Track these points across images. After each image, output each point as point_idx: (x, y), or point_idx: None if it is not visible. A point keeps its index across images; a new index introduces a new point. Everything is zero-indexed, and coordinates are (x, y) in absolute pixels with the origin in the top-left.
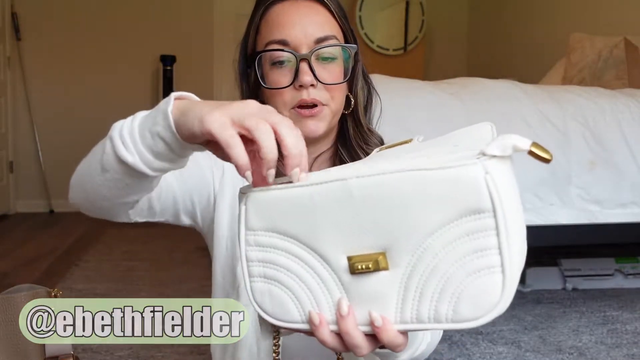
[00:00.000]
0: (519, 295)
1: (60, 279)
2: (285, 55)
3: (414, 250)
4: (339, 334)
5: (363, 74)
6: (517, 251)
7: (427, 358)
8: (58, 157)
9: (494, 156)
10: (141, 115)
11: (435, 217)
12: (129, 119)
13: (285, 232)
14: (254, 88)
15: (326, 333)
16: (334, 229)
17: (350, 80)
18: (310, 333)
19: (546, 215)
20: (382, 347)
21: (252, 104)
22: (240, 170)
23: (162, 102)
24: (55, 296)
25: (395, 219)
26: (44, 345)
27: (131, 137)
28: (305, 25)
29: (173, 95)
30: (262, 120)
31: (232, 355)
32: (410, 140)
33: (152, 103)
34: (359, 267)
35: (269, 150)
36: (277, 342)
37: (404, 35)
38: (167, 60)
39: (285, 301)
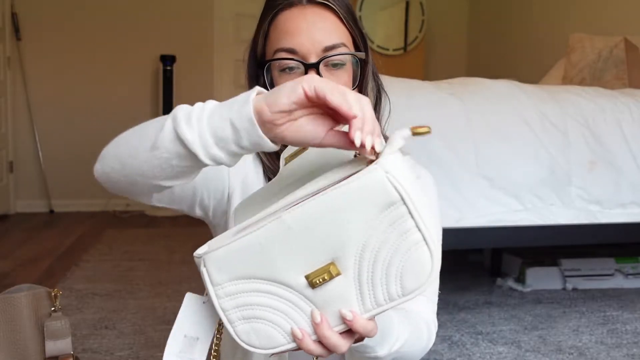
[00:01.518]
0: (519, 295)
1: (60, 279)
2: (293, 63)
3: (355, 251)
4: (320, 341)
5: (373, 74)
6: (429, 219)
7: (427, 358)
8: (58, 157)
9: (389, 154)
10: (213, 102)
11: (362, 220)
12: (199, 103)
13: (247, 275)
14: None
15: (310, 343)
16: (285, 258)
17: (360, 82)
18: (297, 349)
19: (546, 215)
20: (357, 341)
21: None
22: (344, 108)
23: (241, 94)
24: (55, 296)
25: (331, 232)
26: (44, 345)
27: (198, 118)
28: (312, 33)
29: (256, 88)
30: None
31: (243, 353)
32: (306, 149)
33: (152, 103)
34: (317, 281)
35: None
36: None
37: (404, 35)
38: (167, 60)
39: (268, 331)
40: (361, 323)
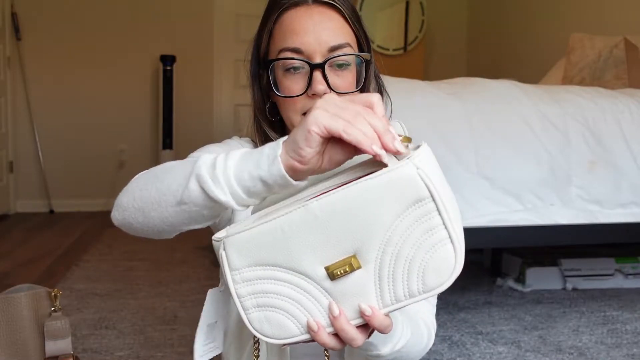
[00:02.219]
0: (519, 295)
1: (60, 279)
2: (298, 63)
3: (378, 246)
4: (334, 334)
5: (375, 74)
6: (457, 220)
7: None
8: (58, 157)
9: (422, 151)
10: (235, 156)
11: (388, 214)
12: (220, 158)
13: (266, 262)
14: (266, 90)
15: (325, 335)
16: (307, 248)
17: (363, 83)
18: (310, 341)
19: (546, 215)
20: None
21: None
22: (365, 145)
23: (267, 147)
24: (56, 296)
25: (356, 225)
26: (44, 345)
27: (225, 176)
28: (318, 33)
29: (280, 140)
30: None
31: (248, 358)
32: None
33: (152, 103)
34: (338, 272)
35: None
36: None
37: (404, 35)
38: (167, 60)
39: (282, 321)
40: (379, 319)
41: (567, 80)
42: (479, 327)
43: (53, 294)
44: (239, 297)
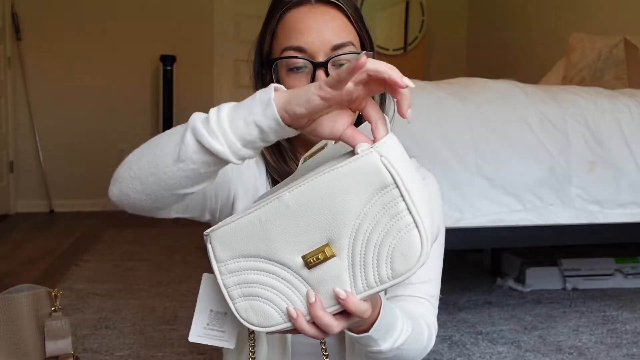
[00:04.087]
0: (519, 295)
1: (60, 279)
2: (301, 62)
3: (349, 233)
4: (313, 322)
5: None
6: (422, 206)
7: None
8: (58, 157)
9: (386, 139)
10: (227, 106)
11: (356, 202)
12: (213, 110)
13: (248, 253)
14: None
15: (304, 323)
16: (284, 238)
17: None
18: (293, 330)
19: (546, 215)
20: (361, 332)
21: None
22: (398, 83)
23: (258, 93)
24: (56, 296)
25: (327, 214)
26: (44, 345)
27: (219, 126)
28: (322, 32)
29: (272, 85)
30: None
31: (247, 357)
32: (325, 145)
33: (152, 103)
34: (312, 260)
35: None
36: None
37: (404, 35)
38: (167, 60)
39: (266, 309)
40: (354, 302)
41: (567, 80)
42: (479, 327)
43: (53, 294)
44: (226, 288)
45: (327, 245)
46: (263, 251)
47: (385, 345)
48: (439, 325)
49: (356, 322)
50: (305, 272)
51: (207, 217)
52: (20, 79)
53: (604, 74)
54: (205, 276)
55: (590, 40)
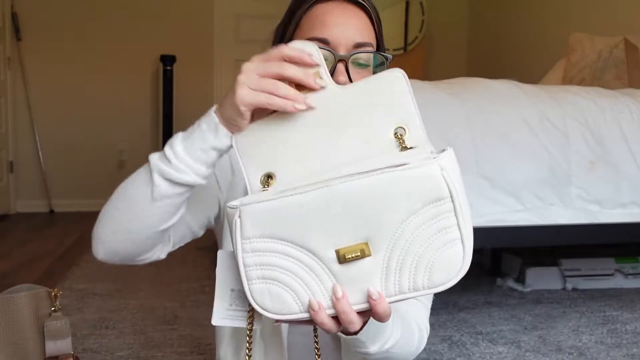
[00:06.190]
0: (519, 296)
1: (60, 279)
2: (323, 52)
3: (391, 237)
4: (334, 317)
5: None
6: (470, 223)
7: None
8: (58, 157)
9: (447, 153)
10: (179, 142)
11: (405, 207)
12: (167, 149)
13: (278, 236)
14: None
15: (325, 316)
16: (322, 228)
17: None
18: (308, 321)
19: (546, 215)
20: (353, 333)
21: (249, 65)
22: (289, 109)
23: (203, 121)
24: (56, 296)
25: (373, 214)
26: (44, 345)
27: (182, 161)
28: (347, 28)
29: (212, 110)
30: (266, 76)
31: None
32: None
33: (152, 103)
34: (349, 256)
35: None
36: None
37: (404, 35)
38: (167, 60)
39: (284, 296)
40: (384, 305)
41: (567, 80)
42: (479, 327)
43: (53, 294)
44: (245, 266)
45: (365, 244)
46: (296, 237)
47: (373, 347)
48: (439, 325)
49: None
50: (335, 265)
51: (203, 233)
52: (20, 79)
53: (604, 74)
54: (221, 253)
55: (590, 40)
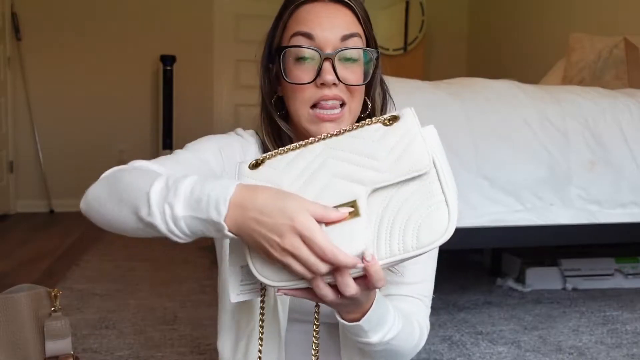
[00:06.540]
0: (519, 296)
1: (60, 279)
2: (309, 52)
3: (383, 200)
4: (332, 285)
5: (380, 80)
6: (453, 189)
7: (427, 358)
8: (58, 157)
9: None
10: (179, 204)
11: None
12: (166, 208)
13: None
14: (273, 83)
15: (320, 281)
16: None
17: (369, 85)
18: (305, 290)
19: (546, 215)
20: (353, 320)
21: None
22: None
23: (213, 210)
24: (56, 296)
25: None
26: (44, 345)
27: (179, 228)
28: (332, 24)
29: (227, 199)
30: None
31: (244, 355)
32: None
33: (152, 103)
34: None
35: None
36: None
37: (404, 35)
38: (167, 60)
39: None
40: (376, 267)
41: (567, 80)
42: (479, 327)
43: (53, 294)
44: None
45: (355, 201)
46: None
47: (374, 337)
48: (439, 325)
49: (351, 305)
50: (325, 227)
51: None
52: (20, 79)
53: (604, 74)
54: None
55: (590, 40)
